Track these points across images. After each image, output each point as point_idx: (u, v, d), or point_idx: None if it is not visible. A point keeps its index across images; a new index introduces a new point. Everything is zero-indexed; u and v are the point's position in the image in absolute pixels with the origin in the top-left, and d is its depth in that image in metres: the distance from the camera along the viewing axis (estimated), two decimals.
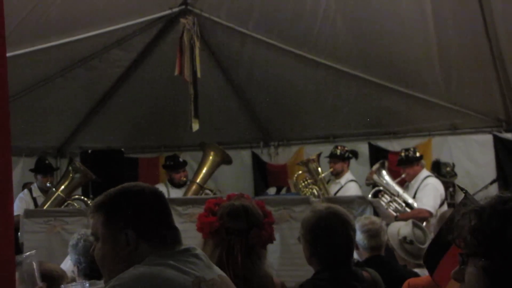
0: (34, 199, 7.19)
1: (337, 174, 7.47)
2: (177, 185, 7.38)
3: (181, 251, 1.97)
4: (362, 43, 6.95)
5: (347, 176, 7.50)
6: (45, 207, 6.58)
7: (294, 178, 7.42)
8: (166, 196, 7.13)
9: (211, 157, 7.36)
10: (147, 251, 1.94)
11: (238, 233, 2.61)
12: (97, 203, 2.06)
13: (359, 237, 4.09)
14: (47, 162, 7.42)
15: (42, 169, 7.28)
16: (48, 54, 6.51)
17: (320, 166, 7.40)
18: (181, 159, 7.57)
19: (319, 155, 7.54)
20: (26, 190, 7.31)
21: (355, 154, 7.67)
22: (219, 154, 7.41)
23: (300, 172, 7.48)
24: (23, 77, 6.83)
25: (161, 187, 7.34)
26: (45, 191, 7.09)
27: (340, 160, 7.47)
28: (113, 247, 1.99)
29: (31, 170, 7.41)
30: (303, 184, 7.27)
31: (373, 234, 4.07)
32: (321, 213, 2.83)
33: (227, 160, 7.54)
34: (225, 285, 2.01)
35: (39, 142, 8.61)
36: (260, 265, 2.62)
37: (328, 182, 7.51)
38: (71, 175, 6.85)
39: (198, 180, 7.24)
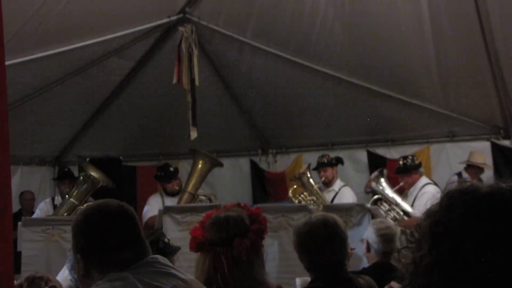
0: (55, 206, 7.33)
1: (329, 182, 7.48)
2: (171, 194, 7.34)
3: (141, 264, 1.96)
4: (360, 50, 6.97)
5: (338, 182, 7.53)
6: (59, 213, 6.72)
7: (290, 193, 7.42)
8: (161, 205, 6.99)
9: (200, 165, 7.33)
10: (98, 277, 1.94)
11: (222, 244, 2.60)
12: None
13: (374, 240, 4.06)
14: (66, 169, 7.79)
15: (59, 176, 7.70)
16: (46, 62, 6.51)
17: (312, 177, 7.41)
18: (171, 168, 7.48)
19: (308, 167, 7.54)
20: (48, 199, 7.56)
21: (340, 160, 7.68)
22: (208, 161, 7.38)
23: (294, 186, 7.48)
24: (21, 86, 6.83)
25: (157, 198, 7.35)
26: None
27: (330, 167, 7.49)
28: (77, 269, 2.04)
29: (53, 179, 7.99)
30: (300, 197, 7.28)
31: (389, 239, 4.03)
32: (309, 223, 2.84)
33: (216, 164, 7.53)
34: (191, 287, 2.00)
35: (37, 151, 8.60)
36: (254, 274, 2.61)
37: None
38: (81, 182, 7.05)
39: (189, 189, 7.17)
